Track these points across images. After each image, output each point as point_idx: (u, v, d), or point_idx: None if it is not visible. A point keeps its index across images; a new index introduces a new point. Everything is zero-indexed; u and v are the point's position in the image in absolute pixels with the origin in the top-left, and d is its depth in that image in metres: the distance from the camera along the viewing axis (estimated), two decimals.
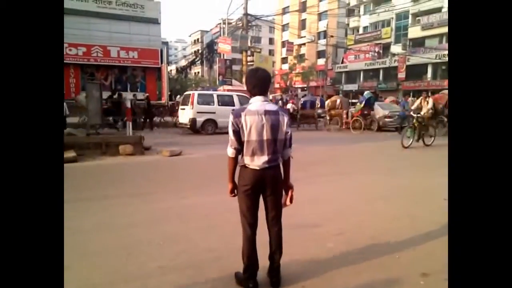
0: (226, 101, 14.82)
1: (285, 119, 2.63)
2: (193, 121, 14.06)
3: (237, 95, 15.32)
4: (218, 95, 15.20)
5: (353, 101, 24.80)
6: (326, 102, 20.03)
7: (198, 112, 14.12)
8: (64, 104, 13.73)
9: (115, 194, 5.36)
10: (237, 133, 2.56)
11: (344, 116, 17.33)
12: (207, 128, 14.28)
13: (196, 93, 15.12)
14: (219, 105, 14.50)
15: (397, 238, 3.67)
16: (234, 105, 14.30)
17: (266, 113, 2.55)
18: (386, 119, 16.59)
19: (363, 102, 16.27)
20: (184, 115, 14.72)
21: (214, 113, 14.32)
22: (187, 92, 16.36)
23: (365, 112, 16.42)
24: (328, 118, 18.72)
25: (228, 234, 3.57)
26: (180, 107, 15.51)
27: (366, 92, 17.51)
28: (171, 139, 12.76)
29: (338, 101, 18.53)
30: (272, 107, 2.63)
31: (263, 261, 2.72)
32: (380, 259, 3.21)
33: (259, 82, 2.63)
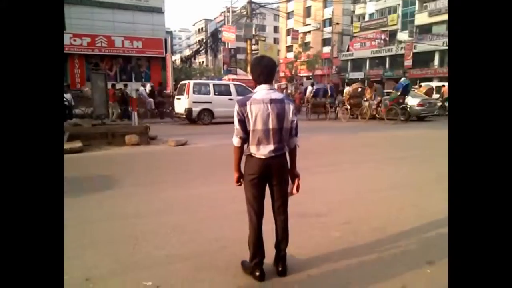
0: (222, 90, 14.67)
1: (290, 108, 2.61)
2: (188, 111, 13.92)
3: (233, 84, 15.09)
4: (214, 84, 15.02)
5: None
6: (346, 90, 18.31)
7: (193, 102, 13.97)
8: (70, 95, 13.83)
9: (121, 184, 5.39)
10: (243, 122, 2.55)
11: (375, 105, 15.73)
12: (203, 118, 14.17)
13: (191, 82, 14.92)
14: (215, 94, 14.38)
15: (402, 227, 3.66)
16: (230, 95, 14.23)
17: (271, 102, 2.53)
18: (418, 108, 15.67)
19: (400, 90, 15.08)
20: (180, 105, 14.57)
21: (210, 102, 14.19)
22: (182, 82, 16.12)
23: (400, 100, 15.22)
24: (346, 107, 16.86)
25: (235, 223, 3.58)
26: (176, 96, 15.36)
27: (403, 79, 16.08)
28: (171, 131, 12.79)
29: (360, 89, 17.27)
30: (277, 95, 2.60)
31: (270, 250, 2.73)
32: (385, 247, 3.21)
33: (264, 71, 2.61)
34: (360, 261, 2.98)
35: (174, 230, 3.62)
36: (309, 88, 18.26)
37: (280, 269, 2.71)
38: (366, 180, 5.73)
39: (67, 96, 13.52)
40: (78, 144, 7.79)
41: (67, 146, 7.48)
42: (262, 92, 2.57)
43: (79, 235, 3.45)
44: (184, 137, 9.64)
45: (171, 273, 2.75)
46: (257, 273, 2.63)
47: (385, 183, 5.47)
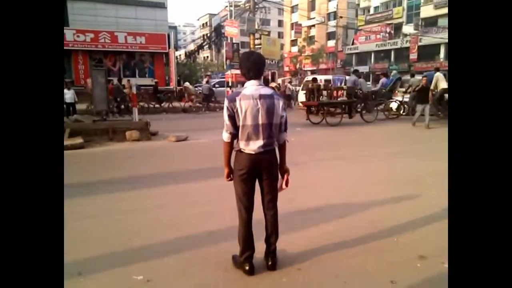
0: None
1: (280, 103, 2.62)
2: None
3: None
4: None
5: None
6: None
7: None
8: (73, 91, 13.90)
9: (121, 179, 5.44)
10: (232, 118, 2.56)
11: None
12: None
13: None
14: None
15: (397, 221, 3.66)
16: None
17: (261, 97, 2.54)
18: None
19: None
20: None
21: None
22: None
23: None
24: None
25: (228, 218, 3.60)
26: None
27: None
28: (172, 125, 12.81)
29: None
30: (267, 91, 2.62)
31: (261, 245, 2.75)
32: (377, 242, 3.22)
33: (254, 66, 2.62)
34: (351, 255, 2.99)
35: (169, 225, 3.65)
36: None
37: (269, 263, 2.73)
38: (362, 174, 5.73)
39: (70, 92, 13.59)
40: (79, 140, 7.85)
41: (68, 142, 7.55)
42: (251, 87, 2.58)
43: (74, 229, 3.49)
44: (186, 132, 9.68)
45: (162, 268, 2.79)
46: (247, 267, 2.65)
47: (380, 177, 5.47)
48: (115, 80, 16.25)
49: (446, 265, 2.77)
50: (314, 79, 15.49)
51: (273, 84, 15.84)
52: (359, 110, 13.18)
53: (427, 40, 35.92)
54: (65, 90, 13.46)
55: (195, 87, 21.72)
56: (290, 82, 22.47)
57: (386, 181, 5.26)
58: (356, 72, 14.70)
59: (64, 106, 13.37)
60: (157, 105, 17.14)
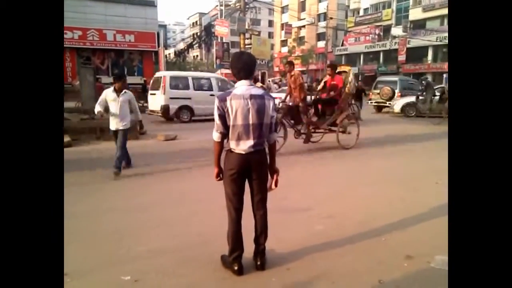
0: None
1: (270, 104, 2.63)
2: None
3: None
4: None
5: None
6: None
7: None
8: None
9: (108, 178, 5.37)
10: (223, 117, 2.56)
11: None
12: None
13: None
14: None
15: (387, 221, 3.70)
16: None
17: (251, 98, 2.54)
18: None
19: None
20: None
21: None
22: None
23: None
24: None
25: (219, 218, 3.57)
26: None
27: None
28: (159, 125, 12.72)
29: None
30: (257, 91, 2.62)
31: (250, 245, 2.75)
32: (367, 241, 3.25)
33: (244, 66, 2.62)
34: (340, 254, 3.01)
35: (158, 225, 3.63)
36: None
37: (258, 263, 2.73)
38: (352, 173, 5.77)
39: None
40: (66, 138, 7.73)
41: None
42: (242, 87, 2.58)
43: (65, 230, 3.44)
44: (174, 131, 9.62)
45: (151, 268, 2.76)
46: (236, 267, 2.65)
47: (370, 177, 5.52)
48: (104, 79, 16.07)
49: (432, 265, 2.82)
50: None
51: (258, 85, 15.77)
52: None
53: (415, 42, 36.35)
54: None
55: None
56: (280, 81, 22.56)
57: (376, 180, 5.30)
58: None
59: None
60: (145, 104, 16.97)
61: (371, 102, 17.73)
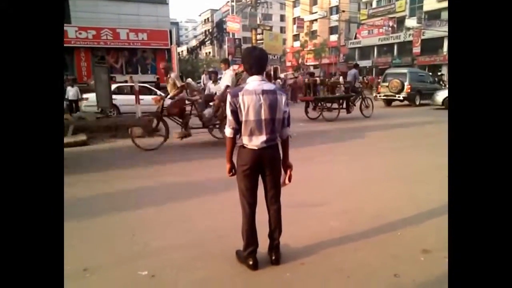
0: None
1: (283, 98, 2.62)
2: None
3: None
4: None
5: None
6: None
7: None
8: (77, 88, 13.95)
9: (123, 175, 5.46)
10: (235, 113, 2.56)
11: None
12: None
13: None
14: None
15: (401, 216, 3.66)
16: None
17: (263, 93, 2.54)
18: None
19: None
20: None
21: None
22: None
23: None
24: None
25: (232, 213, 3.61)
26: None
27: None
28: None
29: None
30: (269, 86, 2.62)
31: (264, 240, 2.76)
32: (381, 236, 3.22)
33: (256, 62, 2.62)
34: (355, 249, 3.00)
35: (172, 220, 3.67)
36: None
37: (273, 258, 2.74)
38: (365, 168, 5.72)
39: (74, 89, 13.63)
40: (82, 137, 7.88)
41: (71, 139, 7.58)
42: (254, 83, 2.58)
43: (77, 226, 3.52)
44: (192, 129, 9.67)
45: (167, 263, 2.80)
46: (250, 262, 2.67)
47: (384, 172, 5.46)
48: (118, 77, 16.25)
49: None
50: (311, 74, 15.37)
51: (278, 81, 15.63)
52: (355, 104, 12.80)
53: (430, 33, 35.63)
54: (69, 87, 13.53)
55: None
56: (296, 77, 22.39)
57: (390, 175, 5.25)
58: (356, 66, 14.44)
59: (68, 103, 13.44)
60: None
61: (380, 96, 17.39)
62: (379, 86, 17.32)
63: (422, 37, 36.52)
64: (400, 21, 40.32)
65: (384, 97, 17.20)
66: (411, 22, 38.69)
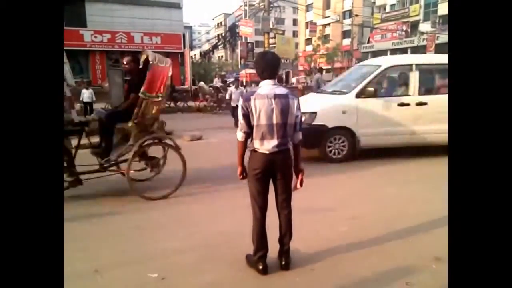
0: None
1: (295, 103, 2.62)
2: None
3: None
4: None
5: None
6: None
7: None
8: (91, 90, 14.17)
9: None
10: (247, 117, 2.57)
11: None
12: None
13: None
14: None
15: (413, 222, 3.61)
16: None
17: (275, 97, 2.55)
18: None
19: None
20: None
21: None
22: None
23: None
24: None
25: (241, 217, 3.61)
26: None
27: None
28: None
29: None
30: (282, 90, 2.62)
31: (274, 244, 2.75)
32: (392, 243, 3.19)
33: (268, 66, 2.63)
34: (366, 255, 2.97)
35: (183, 223, 3.69)
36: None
37: (283, 262, 2.73)
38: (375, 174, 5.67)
39: (89, 91, 13.85)
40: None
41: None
42: (266, 87, 2.59)
43: (86, 228, 3.57)
44: (199, 131, 9.74)
45: (176, 266, 2.82)
46: (260, 267, 2.66)
47: (394, 178, 5.40)
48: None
49: None
50: (320, 69, 15.16)
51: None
52: None
53: (444, 38, 35.18)
54: (83, 90, 13.75)
55: (210, 86, 21.87)
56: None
57: (400, 181, 5.18)
58: (321, 70, 14.15)
59: (82, 105, 13.65)
60: (172, 105, 17.30)
61: None
62: None
63: (436, 42, 36.06)
64: (414, 26, 39.94)
65: None
66: (425, 27, 38.26)
